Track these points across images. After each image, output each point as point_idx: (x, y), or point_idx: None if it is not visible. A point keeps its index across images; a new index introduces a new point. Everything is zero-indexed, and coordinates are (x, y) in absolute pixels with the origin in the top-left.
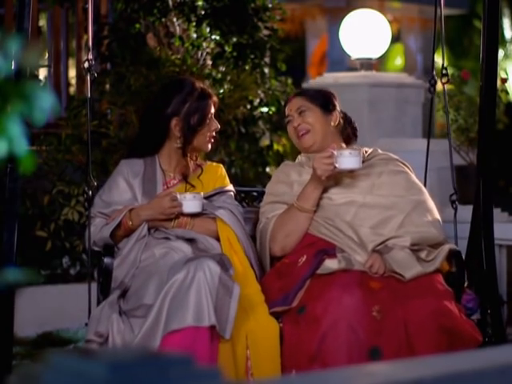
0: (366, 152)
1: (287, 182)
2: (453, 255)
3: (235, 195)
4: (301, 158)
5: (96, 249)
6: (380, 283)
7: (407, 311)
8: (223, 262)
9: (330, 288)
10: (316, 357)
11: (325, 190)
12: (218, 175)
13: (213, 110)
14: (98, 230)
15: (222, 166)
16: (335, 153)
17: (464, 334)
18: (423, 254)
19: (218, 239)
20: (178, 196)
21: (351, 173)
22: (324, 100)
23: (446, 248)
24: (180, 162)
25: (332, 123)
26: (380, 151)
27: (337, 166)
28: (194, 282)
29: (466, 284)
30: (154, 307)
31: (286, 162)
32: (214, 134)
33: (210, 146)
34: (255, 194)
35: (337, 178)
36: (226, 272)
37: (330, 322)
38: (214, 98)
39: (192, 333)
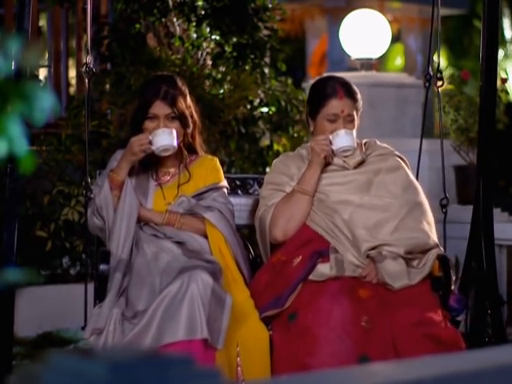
0: (365, 145)
1: (287, 173)
2: (440, 260)
3: (228, 190)
4: (301, 150)
5: (97, 222)
6: (369, 291)
7: (394, 321)
8: (215, 272)
9: (321, 297)
10: (306, 366)
11: (322, 188)
12: (210, 168)
13: (160, 112)
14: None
15: (216, 159)
16: (331, 136)
17: (449, 343)
18: (415, 263)
19: (206, 237)
20: (151, 136)
21: (347, 157)
22: (360, 108)
23: (434, 253)
24: (172, 156)
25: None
26: (378, 143)
27: (334, 148)
28: (187, 294)
29: (453, 286)
30: (146, 315)
31: (286, 153)
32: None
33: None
34: (251, 181)
35: (334, 169)
36: (217, 282)
37: (320, 333)
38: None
39: (184, 346)
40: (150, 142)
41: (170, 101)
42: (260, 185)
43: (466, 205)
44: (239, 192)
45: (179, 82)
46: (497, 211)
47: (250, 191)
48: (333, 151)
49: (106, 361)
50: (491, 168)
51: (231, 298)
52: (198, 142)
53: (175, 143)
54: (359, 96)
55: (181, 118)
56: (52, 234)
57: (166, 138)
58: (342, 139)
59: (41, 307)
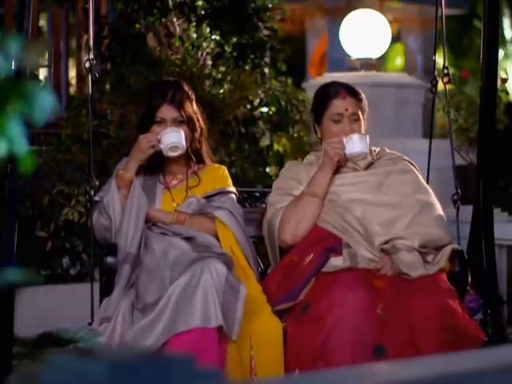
0: (374, 151)
1: (296, 178)
2: (456, 255)
3: (237, 196)
4: (310, 157)
5: (104, 222)
6: (384, 282)
7: (411, 309)
8: (227, 263)
9: (334, 287)
10: (320, 356)
11: (332, 188)
12: (218, 176)
13: (167, 115)
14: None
15: (224, 167)
16: (345, 140)
17: (467, 333)
18: (430, 258)
19: (216, 238)
20: (159, 135)
21: (358, 160)
22: (366, 109)
23: (449, 248)
24: (179, 162)
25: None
26: (388, 150)
27: (347, 152)
28: (200, 283)
29: (468, 284)
30: (157, 307)
31: (294, 162)
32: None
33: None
34: (257, 194)
35: (345, 170)
36: (231, 272)
37: (334, 321)
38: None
39: (199, 334)
40: (159, 141)
41: (177, 104)
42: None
43: (466, 205)
44: (246, 205)
45: (186, 87)
46: (497, 211)
47: (257, 204)
48: (344, 154)
49: (106, 361)
50: (491, 168)
51: (245, 288)
52: (205, 149)
53: (184, 142)
54: (363, 97)
55: (188, 122)
56: (52, 234)
57: (174, 136)
58: (355, 145)
59: (41, 307)
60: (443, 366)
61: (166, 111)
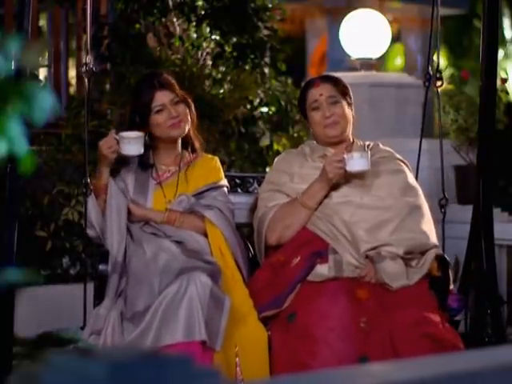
0: (368, 146)
1: (288, 172)
2: (438, 260)
3: (228, 189)
4: (305, 147)
5: (90, 232)
6: (367, 292)
7: (392, 321)
8: (214, 274)
9: (319, 298)
10: (305, 366)
11: None
12: (211, 168)
13: (163, 101)
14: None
15: (216, 158)
16: (346, 156)
17: (446, 343)
18: (413, 263)
19: (206, 236)
20: (117, 137)
21: (360, 174)
22: (348, 92)
23: (433, 252)
24: (172, 154)
25: (351, 116)
26: (381, 146)
27: (347, 168)
28: (185, 296)
29: (451, 286)
30: (145, 318)
31: (289, 150)
32: (171, 121)
33: (172, 132)
34: (250, 179)
35: (345, 179)
36: (216, 283)
37: (320, 333)
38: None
39: (183, 347)
40: (117, 142)
41: (168, 87)
42: (260, 183)
43: (466, 205)
44: (239, 190)
45: (165, 73)
46: (497, 211)
47: (250, 189)
48: (345, 171)
49: (106, 361)
50: (491, 168)
51: (230, 300)
52: (194, 132)
53: (142, 150)
54: (344, 83)
55: (184, 100)
56: (52, 234)
57: (132, 148)
58: (356, 163)
59: (41, 307)
60: (443, 366)
61: (162, 96)
